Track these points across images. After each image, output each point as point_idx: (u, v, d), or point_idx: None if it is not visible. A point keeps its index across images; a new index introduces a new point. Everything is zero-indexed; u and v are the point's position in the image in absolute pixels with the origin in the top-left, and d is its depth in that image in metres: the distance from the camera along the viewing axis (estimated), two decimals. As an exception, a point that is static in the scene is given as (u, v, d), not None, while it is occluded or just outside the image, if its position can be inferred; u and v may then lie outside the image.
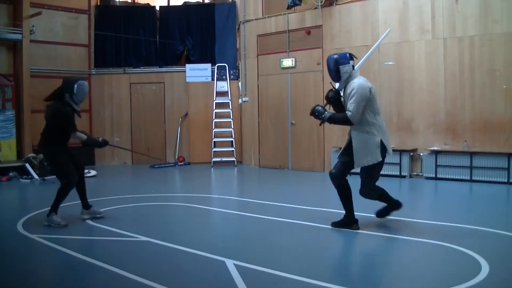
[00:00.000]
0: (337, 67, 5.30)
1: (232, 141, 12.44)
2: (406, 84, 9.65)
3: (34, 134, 11.19)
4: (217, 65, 12.82)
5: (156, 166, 12.35)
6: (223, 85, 12.78)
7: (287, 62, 11.39)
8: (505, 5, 8.51)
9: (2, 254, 4.89)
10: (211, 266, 4.31)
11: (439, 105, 9.27)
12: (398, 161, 9.50)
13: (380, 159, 5.21)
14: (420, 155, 9.47)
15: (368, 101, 5.19)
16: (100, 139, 6.33)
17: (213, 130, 12.46)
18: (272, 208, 6.97)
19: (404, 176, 9.49)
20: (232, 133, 12.44)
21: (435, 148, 9.23)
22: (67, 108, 5.85)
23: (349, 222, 5.48)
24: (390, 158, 6.04)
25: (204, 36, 13.32)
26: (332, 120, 5.37)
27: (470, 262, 4.21)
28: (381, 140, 5.24)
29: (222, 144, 12.53)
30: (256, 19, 12.12)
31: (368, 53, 5.77)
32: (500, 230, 5.17)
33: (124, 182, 10.58)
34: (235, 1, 13.17)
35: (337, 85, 5.48)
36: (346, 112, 5.20)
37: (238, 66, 12.86)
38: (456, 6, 8.99)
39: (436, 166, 9.13)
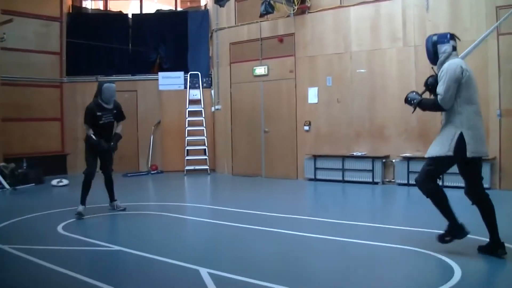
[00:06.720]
0: (435, 47, 4.65)
1: (205, 149, 12.29)
2: (378, 91, 9.71)
3: (6, 142, 10.99)
4: (189, 73, 12.71)
5: (129, 174, 12.08)
6: (196, 93, 12.66)
7: (260, 70, 11.33)
8: (474, 14, 8.65)
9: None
10: (185, 275, 4.25)
11: (411, 112, 9.30)
12: (371, 168, 9.54)
13: (449, 153, 4.36)
14: (392, 161, 9.51)
15: (459, 84, 4.40)
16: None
17: (186, 138, 12.30)
18: (245, 216, 6.88)
19: (376, 183, 9.49)
20: (205, 141, 12.29)
21: (407, 154, 9.28)
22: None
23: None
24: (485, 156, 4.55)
25: (177, 44, 13.17)
26: (422, 105, 4.74)
27: (443, 267, 4.18)
28: (461, 133, 4.36)
29: (195, 152, 12.36)
30: (229, 27, 12.05)
31: (478, 40, 5.45)
32: (473, 235, 5.16)
33: (97, 191, 10.27)
34: (208, 9, 13.11)
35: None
36: (437, 95, 4.47)
37: (211, 74, 12.75)
38: (427, 15, 9.12)
39: (408, 172, 9.16)
